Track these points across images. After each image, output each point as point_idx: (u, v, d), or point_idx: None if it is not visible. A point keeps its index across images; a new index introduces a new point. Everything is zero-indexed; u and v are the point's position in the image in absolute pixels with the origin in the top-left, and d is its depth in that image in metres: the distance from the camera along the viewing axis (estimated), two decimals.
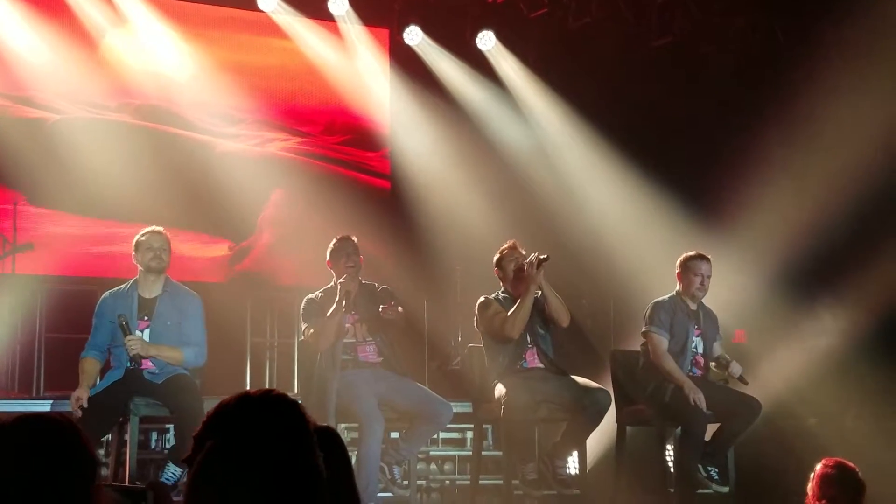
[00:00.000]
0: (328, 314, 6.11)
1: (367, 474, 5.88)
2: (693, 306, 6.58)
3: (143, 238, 5.93)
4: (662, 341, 6.44)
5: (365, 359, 6.25)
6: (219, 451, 1.89)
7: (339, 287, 6.13)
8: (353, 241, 6.34)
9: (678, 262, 6.59)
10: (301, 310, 6.35)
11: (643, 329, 6.55)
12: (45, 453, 2.15)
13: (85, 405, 5.63)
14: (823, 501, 4.07)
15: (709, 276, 6.52)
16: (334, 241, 6.37)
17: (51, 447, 2.16)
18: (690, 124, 9.58)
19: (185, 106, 9.25)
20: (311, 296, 6.38)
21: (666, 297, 6.61)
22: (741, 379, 6.50)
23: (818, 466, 4.16)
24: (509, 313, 6.34)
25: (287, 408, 1.96)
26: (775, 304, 8.24)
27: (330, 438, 2.17)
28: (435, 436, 7.66)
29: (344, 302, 6.06)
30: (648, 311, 6.55)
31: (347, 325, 6.23)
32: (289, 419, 1.94)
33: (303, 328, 6.33)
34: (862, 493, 4.08)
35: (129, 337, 5.72)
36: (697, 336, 6.56)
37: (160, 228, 6.08)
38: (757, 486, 6.76)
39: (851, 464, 4.16)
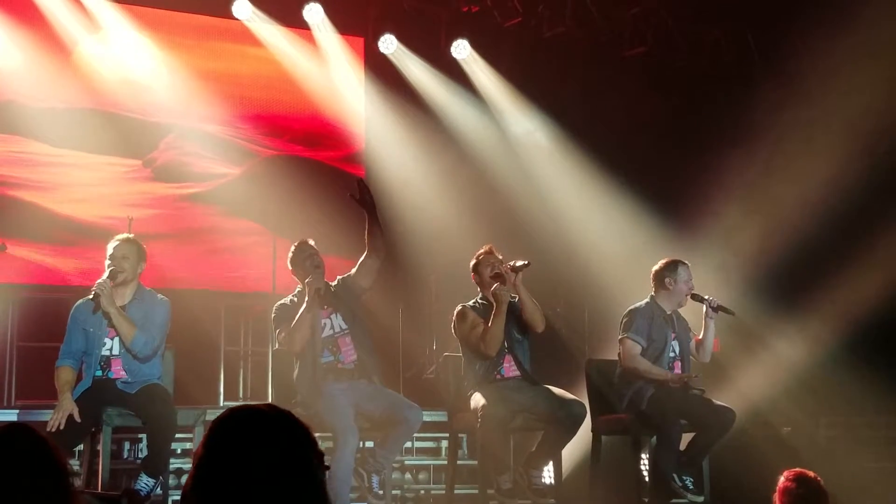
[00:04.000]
0: (299, 313, 6.10)
1: (337, 485, 5.87)
2: (668, 311, 6.62)
3: (109, 247, 5.90)
4: (636, 346, 6.48)
5: (346, 355, 6.23)
6: (226, 472, 1.85)
7: (306, 287, 6.12)
8: (311, 243, 6.34)
9: (662, 269, 6.61)
10: (272, 317, 6.34)
11: (619, 336, 6.57)
12: (17, 464, 2.13)
13: (77, 418, 5.55)
14: None
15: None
16: (293, 248, 6.37)
17: (23, 458, 2.14)
18: (663, 134, 9.64)
19: (159, 114, 9.22)
20: (282, 301, 6.38)
21: (642, 303, 6.64)
22: (723, 308, 6.52)
23: (780, 479, 4.15)
24: (483, 332, 6.35)
25: (293, 423, 1.93)
26: (749, 314, 8.28)
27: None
28: (409, 444, 7.65)
29: (314, 299, 6.05)
30: (626, 319, 6.58)
31: (324, 320, 6.23)
32: (298, 435, 1.92)
33: (276, 334, 6.32)
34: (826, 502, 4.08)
35: (99, 281, 5.70)
36: (674, 340, 6.61)
37: (128, 236, 6.06)
38: (731, 496, 6.78)
39: (812, 473, 4.15)
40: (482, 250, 6.58)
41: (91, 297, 5.76)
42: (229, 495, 1.79)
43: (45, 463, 2.14)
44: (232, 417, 1.91)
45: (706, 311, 6.57)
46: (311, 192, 8.93)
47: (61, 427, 5.49)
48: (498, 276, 6.44)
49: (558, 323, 9.22)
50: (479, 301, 6.58)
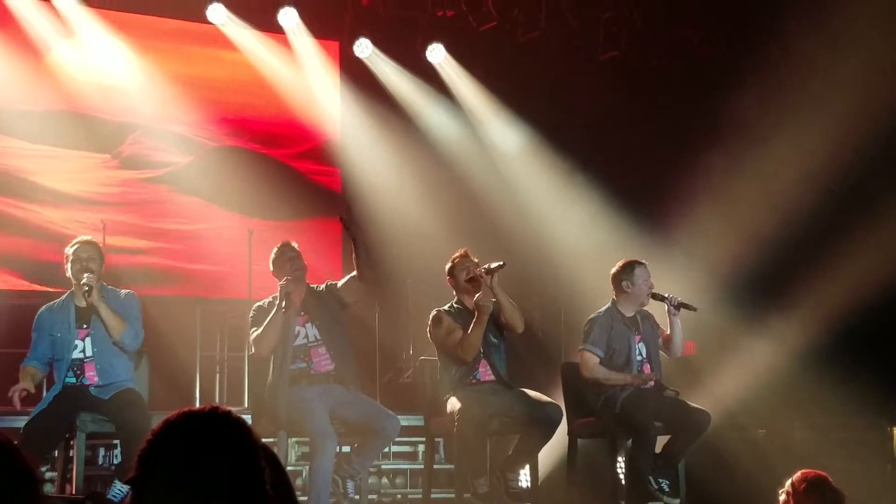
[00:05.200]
0: (269, 316, 6.09)
1: (317, 490, 5.86)
2: (630, 313, 6.61)
3: (70, 250, 5.89)
4: (592, 357, 6.48)
5: (319, 365, 6.20)
6: (164, 471, 1.86)
7: (279, 289, 6.11)
8: (294, 246, 6.33)
9: (619, 272, 6.61)
10: (250, 318, 6.33)
11: (579, 347, 6.58)
12: None
13: (32, 390, 5.61)
14: None
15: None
16: (275, 249, 6.36)
17: None
18: (638, 137, 9.66)
19: (128, 114, 9.23)
20: (259, 303, 6.37)
21: (602, 310, 6.63)
22: (685, 305, 6.51)
23: (796, 479, 4.15)
24: (463, 337, 6.34)
25: (234, 425, 1.94)
26: (724, 317, 8.31)
27: (268, 456, 2.15)
28: (386, 449, 7.63)
29: (284, 303, 6.03)
30: (585, 328, 6.59)
31: (298, 328, 6.21)
32: (236, 437, 1.92)
33: (250, 335, 6.30)
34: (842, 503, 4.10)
35: (88, 275, 5.73)
36: (640, 343, 6.59)
37: (88, 237, 6.05)
38: (707, 498, 6.80)
39: (826, 474, 4.17)
40: (457, 254, 6.57)
41: (84, 290, 5.74)
42: (165, 496, 1.81)
43: (9, 468, 2.12)
44: (167, 421, 1.93)
45: (669, 310, 6.56)
46: (256, 174, 9.48)
47: (15, 404, 5.54)
48: (473, 280, 6.44)
49: (535, 326, 9.23)
50: (455, 305, 6.57)
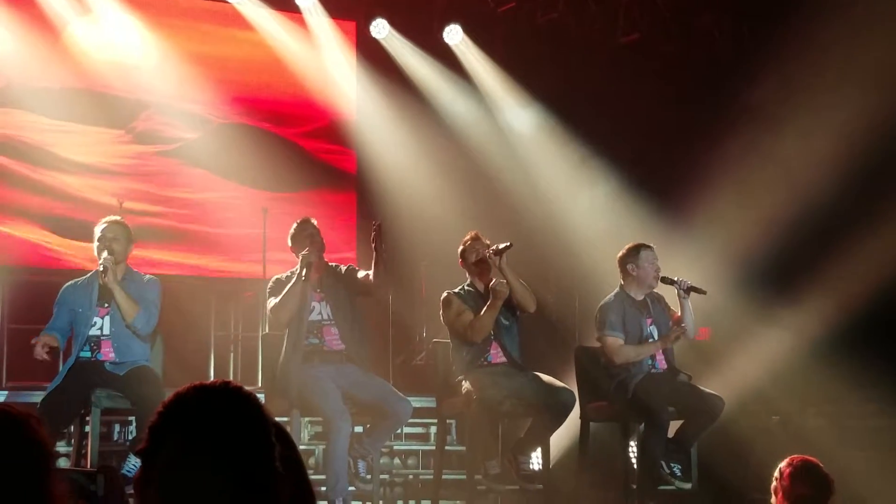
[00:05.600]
0: (289, 285, 6.11)
1: (335, 471, 5.89)
2: (639, 296, 6.61)
3: (97, 229, 5.97)
4: (616, 340, 6.47)
5: (331, 343, 6.22)
6: (174, 443, 1.86)
7: (300, 258, 6.12)
8: (313, 222, 6.34)
9: (625, 256, 6.60)
10: (268, 289, 6.35)
11: (597, 335, 6.57)
12: None
13: (54, 344, 5.75)
14: (792, 499, 4.04)
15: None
16: (294, 224, 6.36)
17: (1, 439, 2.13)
18: (656, 121, 9.63)
19: (142, 92, 9.26)
20: (278, 275, 6.40)
21: (611, 296, 6.62)
22: (694, 288, 6.49)
23: (783, 464, 4.13)
24: (474, 319, 6.33)
25: (245, 400, 1.93)
26: (739, 303, 8.29)
27: (280, 433, 2.15)
28: (399, 430, 7.66)
29: (304, 271, 6.05)
30: (599, 316, 6.57)
31: (314, 304, 6.23)
32: (248, 412, 1.91)
33: (267, 304, 6.32)
34: (831, 490, 4.07)
35: (105, 256, 5.81)
36: (651, 325, 6.59)
37: (117, 218, 6.12)
38: (719, 483, 6.80)
39: (816, 460, 4.14)
40: (468, 236, 6.57)
41: (101, 270, 5.81)
42: (175, 468, 1.82)
43: (21, 442, 2.13)
44: (178, 394, 1.93)
45: (679, 293, 6.54)
46: (267, 150, 9.53)
47: (43, 355, 5.67)
48: (481, 262, 6.43)
49: (549, 310, 9.22)
50: (467, 287, 6.57)
